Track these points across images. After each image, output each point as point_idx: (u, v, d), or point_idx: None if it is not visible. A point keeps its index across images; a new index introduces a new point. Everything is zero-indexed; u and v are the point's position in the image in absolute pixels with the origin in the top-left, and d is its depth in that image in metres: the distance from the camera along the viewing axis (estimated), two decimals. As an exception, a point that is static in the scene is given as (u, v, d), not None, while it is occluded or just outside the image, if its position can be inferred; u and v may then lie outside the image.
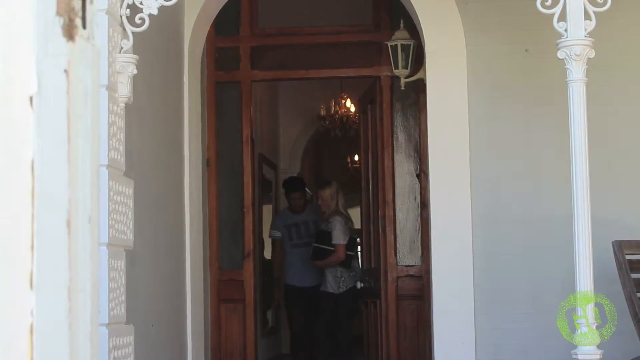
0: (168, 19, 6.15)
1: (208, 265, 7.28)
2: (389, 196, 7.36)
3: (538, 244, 6.38)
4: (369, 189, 7.84)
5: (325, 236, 8.49)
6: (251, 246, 7.58)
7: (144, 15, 4.82)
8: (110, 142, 4.67)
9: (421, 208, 7.29)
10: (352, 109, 12.71)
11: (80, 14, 1.24)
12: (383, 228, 7.37)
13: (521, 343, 6.36)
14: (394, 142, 7.41)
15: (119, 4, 4.78)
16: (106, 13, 4.59)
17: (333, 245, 8.40)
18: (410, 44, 7.09)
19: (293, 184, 9.79)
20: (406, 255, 7.39)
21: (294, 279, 9.49)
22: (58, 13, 1.21)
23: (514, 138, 6.53)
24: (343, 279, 8.42)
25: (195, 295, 6.79)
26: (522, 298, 6.39)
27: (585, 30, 4.63)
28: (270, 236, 9.99)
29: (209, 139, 7.35)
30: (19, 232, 1.16)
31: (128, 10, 4.81)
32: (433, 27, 6.65)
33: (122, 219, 4.80)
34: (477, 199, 6.50)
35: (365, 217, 8.07)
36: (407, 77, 7.13)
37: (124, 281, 4.82)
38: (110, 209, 4.64)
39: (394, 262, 7.33)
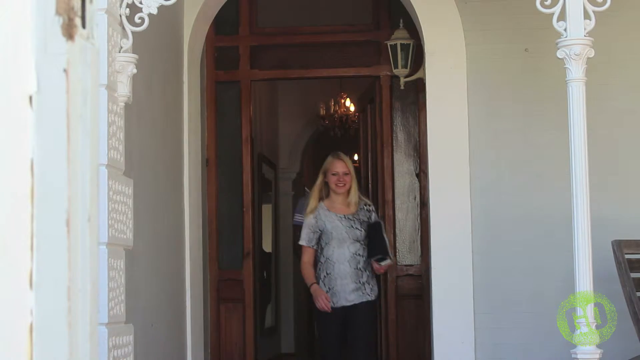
0: (167, 18, 6.15)
1: (208, 265, 7.28)
2: (389, 195, 7.36)
3: (538, 244, 6.38)
4: (369, 189, 7.83)
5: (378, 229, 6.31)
6: (250, 245, 7.57)
7: (144, 14, 4.82)
8: (110, 141, 4.66)
9: (421, 207, 7.29)
10: (352, 108, 12.70)
11: (79, 13, 1.24)
12: (383, 227, 7.36)
13: (520, 342, 6.36)
14: (394, 142, 7.41)
15: (118, 4, 4.77)
16: (106, 12, 4.59)
17: None
18: (409, 44, 7.09)
19: None
20: (406, 255, 7.39)
21: None
22: (57, 12, 1.21)
23: (514, 137, 6.53)
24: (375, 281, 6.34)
25: (195, 295, 6.79)
26: (522, 297, 6.39)
27: (585, 29, 4.63)
28: (296, 222, 8.08)
29: (208, 139, 7.35)
30: (19, 232, 1.16)
31: (127, 9, 4.81)
32: (433, 27, 6.65)
33: (121, 218, 4.80)
34: (476, 198, 6.50)
35: (364, 216, 8.06)
36: (406, 76, 7.14)
37: (123, 281, 4.82)
38: (110, 208, 4.64)
39: (394, 261, 7.33)
